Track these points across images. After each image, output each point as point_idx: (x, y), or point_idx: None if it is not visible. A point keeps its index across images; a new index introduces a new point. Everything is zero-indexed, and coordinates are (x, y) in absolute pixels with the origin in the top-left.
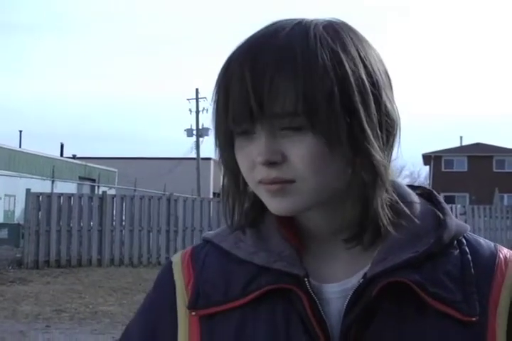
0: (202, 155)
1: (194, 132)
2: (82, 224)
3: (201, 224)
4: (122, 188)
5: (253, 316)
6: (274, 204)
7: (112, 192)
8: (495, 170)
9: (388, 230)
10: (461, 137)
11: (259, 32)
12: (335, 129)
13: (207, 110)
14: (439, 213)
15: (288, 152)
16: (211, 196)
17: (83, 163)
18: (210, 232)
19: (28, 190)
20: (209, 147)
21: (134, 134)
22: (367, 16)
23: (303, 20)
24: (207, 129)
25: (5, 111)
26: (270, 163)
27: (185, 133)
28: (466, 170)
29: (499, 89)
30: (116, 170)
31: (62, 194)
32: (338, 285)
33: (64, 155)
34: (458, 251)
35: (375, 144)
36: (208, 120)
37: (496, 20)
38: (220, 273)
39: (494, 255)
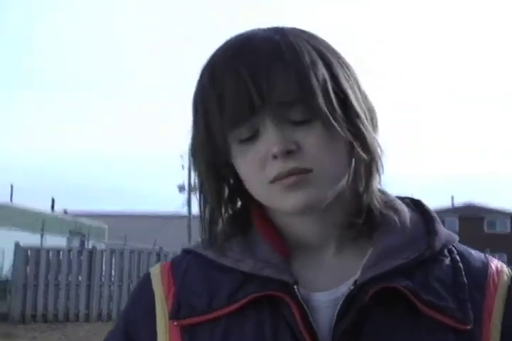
0: (193, 212)
1: (186, 188)
2: (70, 279)
3: None
4: (112, 243)
5: (239, 325)
6: (292, 199)
7: (102, 247)
8: (486, 231)
9: (379, 232)
10: (452, 197)
11: (233, 38)
12: (334, 113)
13: None
14: (428, 221)
15: (301, 141)
16: None
17: (73, 218)
18: (190, 245)
19: (16, 244)
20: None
21: (125, 188)
22: None
23: (263, 28)
24: None
25: None
26: (287, 152)
27: (177, 189)
28: (457, 230)
29: (488, 148)
30: (106, 226)
31: (51, 248)
32: (327, 294)
33: (55, 209)
34: (449, 259)
35: (369, 127)
36: None
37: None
38: (203, 282)
39: (486, 264)
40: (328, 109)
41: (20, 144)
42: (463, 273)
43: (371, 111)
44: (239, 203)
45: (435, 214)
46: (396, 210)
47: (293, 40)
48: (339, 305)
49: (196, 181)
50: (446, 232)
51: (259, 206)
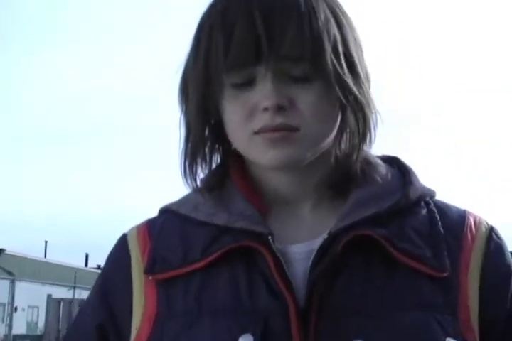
0: None
1: None
2: None
3: None
4: None
5: (213, 278)
6: (273, 155)
7: None
8: None
9: (355, 188)
10: None
11: None
12: (338, 75)
13: None
14: (404, 174)
15: (295, 98)
16: None
17: None
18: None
19: (49, 296)
20: None
21: None
22: None
23: None
24: None
25: (32, 222)
26: (278, 108)
27: None
28: None
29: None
30: None
31: (83, 300)
32: (303, 246)
33: (89, 265)
34: (425, 210)
35: (369, 93)
36: None
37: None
38: (178, 237)
39: (463, 217)
40: (336, 69)
41: (54, 201)
42: (439, 223)
43: (368, 78)
44: (217, 156)
45: (412, 168)
46: (373, 166)
47: None
48: (313, 254)
49: (182, 117)
50: (423, 185)
51: (238, 158)
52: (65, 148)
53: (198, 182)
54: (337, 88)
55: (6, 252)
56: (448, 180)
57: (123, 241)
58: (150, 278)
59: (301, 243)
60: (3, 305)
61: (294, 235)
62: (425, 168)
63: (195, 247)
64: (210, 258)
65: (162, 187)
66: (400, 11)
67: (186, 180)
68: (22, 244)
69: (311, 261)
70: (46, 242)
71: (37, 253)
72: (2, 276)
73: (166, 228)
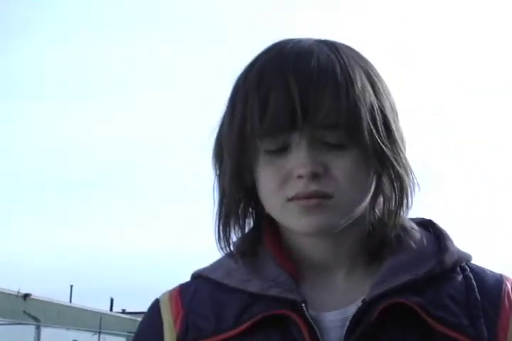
0: None
1: None
2: None
3: None
4: None
5: None
6: (307, 222)
7: None
8: None
9: (390, 254)
10: None
11: (285, 44)
12: (376, 143)
13: None
14: (440, 239)
15: (330, 165)
16: None
17: (132, 317)
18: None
19: None
20: None
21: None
22: None
23: (315, 38)
24: None
25: (57, 266)
26: (313, 175)
27: None
28: None
29: None
30: None
31: None
32: (337, 314)
33: (114, 309)
34: (461, 276)
35: (406, 161)
36: None
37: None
38: (210, 304)
39: (500, 282)
40: (373, 138)
41: (79, 246)
42: (476, 289)
43: (404, 142)
44: (251, 219)
45: (447, 232)
46: (407, 230)
47: (347, 61)
48: (347, 324)
49: (215, 181)
50: (459, 250)
51: (272, 222)
52: (93, 193)
53: (231, 247)
54: (373, 156)
55: (32, 297)
56: (448, 180)
57: (155, 307)
58: None
59: (335, 310)
60: None
61: (328, 302)
62: (425, 168)
63: (228, 315)
64: (243, 327)
65: (186, 232)
66: (400, 11)
67: (220, 244)
68: (47, 289)
69: (345, 330)
70: (72, 286)
71: (62, 298)
72: (28, 322)
73: (199, 294)
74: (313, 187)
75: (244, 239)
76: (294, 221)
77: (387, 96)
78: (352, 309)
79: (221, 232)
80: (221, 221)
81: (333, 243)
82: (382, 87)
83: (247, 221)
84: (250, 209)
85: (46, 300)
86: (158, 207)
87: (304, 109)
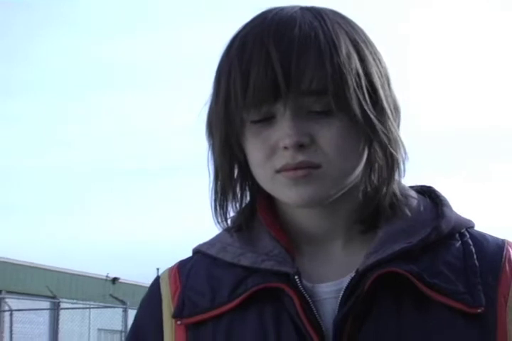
0: None
1: None
2: None
3: None
4: None
5: (241, 320)
6: (296, 193)
7: None
8: None
9: (386, 222)
10: None
11: (268, 13)
12: (363, 110)
13: None
14: (437, 205)
15: (316, 134)
16: None
17: None
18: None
19: None
20: None
21: None
22: None
23: (301, 6)
24: None
25: (143, 249)
26: (299, 146)
27: None
28: None
29: None
30: None
31: None
32: (332, 285)
33: None
34: (460, 242)
35: (396, 128)
36: None
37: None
38: (206, 280)
39: (501, 248)
40: (359, 104)
41: (165, 228)
42: (474, 256)
43: (397, 110)
44: (247, 193)
45: (446, 198)
46: (404, 199)
47: (331, 28)
48: (341, 293)
49: (209, 157)
50: (458, 216)
51: (268, 196)
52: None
53: (229, 222)
54: (361, 123)
55: (120, 281)
56: (448, 180)
57: (156, 285)
58: (179, 322)
59: (330, 281)
60: (119, 332)
61: (325, 274)
62: (425, 168)
63: (222, 289)
64: (236, 301)
65: None
66: (400, 11)
67: (216, 218)
68: (135, 272)
69: (339, 301)
70: (158, 269)
71: (149, 281)
72: (116, 305)
73: (195, 270)
74: (299, 157)
75: (239, 213)
76: (284, 193)
77: (375, 62)
78: (346, 280)
79: (217, 207)
80: (217, 195)
81: (327, 214)
82: (370, 53)
83: (244, 195)
84: (246, 183)
85: (134, 283)
86: None
87: (287, 78)
